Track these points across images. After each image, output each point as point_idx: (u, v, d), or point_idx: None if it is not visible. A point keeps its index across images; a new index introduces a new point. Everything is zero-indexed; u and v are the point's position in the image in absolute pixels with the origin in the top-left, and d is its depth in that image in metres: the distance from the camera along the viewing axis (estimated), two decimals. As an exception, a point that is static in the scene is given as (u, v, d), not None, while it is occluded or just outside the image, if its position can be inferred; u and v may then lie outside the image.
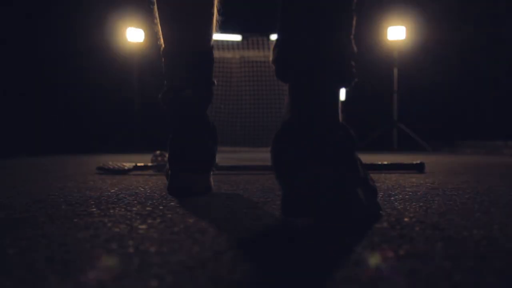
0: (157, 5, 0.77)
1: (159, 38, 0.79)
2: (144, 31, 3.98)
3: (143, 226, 0.49)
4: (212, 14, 0.78)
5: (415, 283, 0.30)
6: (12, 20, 3.59)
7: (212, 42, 0.79)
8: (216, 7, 0.79)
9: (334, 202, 0.46)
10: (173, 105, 0.75)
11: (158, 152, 1.40)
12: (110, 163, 1.34)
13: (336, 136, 0.49)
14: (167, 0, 0.77)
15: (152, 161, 1.38)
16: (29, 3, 3.69)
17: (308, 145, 0.48)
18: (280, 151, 0.49)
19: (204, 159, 0.77)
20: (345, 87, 0.54)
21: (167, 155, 0.77)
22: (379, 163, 1.29)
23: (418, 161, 1.30)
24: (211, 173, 0.81)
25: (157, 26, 0.78)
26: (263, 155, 2.84)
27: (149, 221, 0.52)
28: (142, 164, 1.31)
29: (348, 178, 0.48)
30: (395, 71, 3.97)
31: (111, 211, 0.59)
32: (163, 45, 0.78)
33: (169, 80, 0.77)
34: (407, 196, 0.72)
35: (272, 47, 0.54)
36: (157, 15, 0.78)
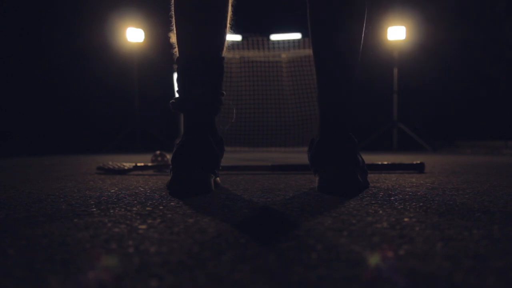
0: (174, 9, 0.80)
1: (175, 48, 0.83)
2: (144, 31, 3.98)
3: (143, 226, 0.49)
4: (226, 19, 0.82)
5: (415, 283, 0.30)
6: (12, 20, 3.59)
7: (223, 53, 0.83)
8: (230, 12, 0.83)
9: (345, 184, 0.76)
10: (181, 111, 0.81)
11: (158, 152, 1.40)
12: (110, 163, 1.34)
13: (347, 145, 0.78)
14: (184, 3, 0.80)
15: (152, 161, 1.38)
16: (30, 3, 3.70)
17: (332, 152, 0.78)
18: (316, 155, 0.80)
19: (207, 160, 0.78)
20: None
21: (167, 155, 0.78)
22: (379, 163, 1.29)
23: (418, 161, 1.30)
24: (214, 175, 0.82)
25: (173, 36, 0.83)
26: (263, 155, 2.84)
27: (149, 221, 0.52)
28: (142, 164, 1.31)
29: (352, 170, 0.77)
30: (395, 71, 3.97)
31: (111, 211, 0.59)
32: (177, 53, 0.82)
33: (180, 86, 0.81)
34: (407, 196, 0.72)
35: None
36: (174, 22, 0.81)
